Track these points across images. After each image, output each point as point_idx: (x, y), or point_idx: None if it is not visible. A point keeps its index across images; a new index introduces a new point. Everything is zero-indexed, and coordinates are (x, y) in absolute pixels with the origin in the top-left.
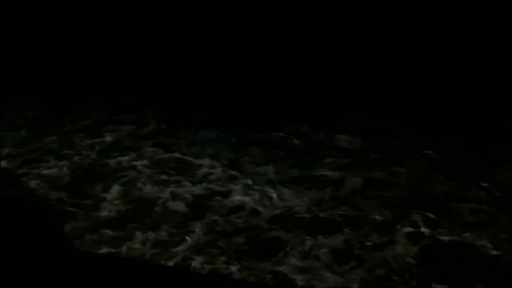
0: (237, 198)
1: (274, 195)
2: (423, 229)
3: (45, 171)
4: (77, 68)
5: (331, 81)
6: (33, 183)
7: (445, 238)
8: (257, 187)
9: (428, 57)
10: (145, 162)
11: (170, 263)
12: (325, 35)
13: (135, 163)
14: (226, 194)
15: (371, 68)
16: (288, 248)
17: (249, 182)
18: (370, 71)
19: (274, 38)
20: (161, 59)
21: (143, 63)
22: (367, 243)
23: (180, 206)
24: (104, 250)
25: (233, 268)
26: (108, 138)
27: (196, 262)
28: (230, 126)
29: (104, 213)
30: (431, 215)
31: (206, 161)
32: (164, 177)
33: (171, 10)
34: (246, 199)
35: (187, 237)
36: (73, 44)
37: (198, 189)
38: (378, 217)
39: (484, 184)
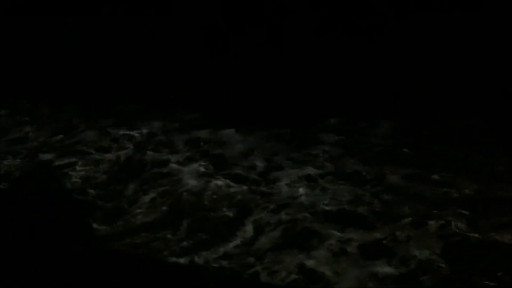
0: (276, 195)
1: (312, 191)
2: (454, 227)
3: (81, 167)
4: (90, 67)
5: (331, 81)
6: (70, 179)
7: (475, 236)
8: (295, 184)
9: (428, 57)
10: (180, 157)
11: (197, 262)
12: (325, 35)
13: (170, 158)
14: (266, 193)
15: (371, 68)
16: (319, 242)
17: (287, 179)
18: (370, 71)
19: (274, 38)
20: (164, 59)
21: (146, 63)
22: (397, 239)
23: (219, 206)
24: (138, 251)
25: (264, 262)
26: (141, 134)
27: (231, 259)
28: (258, 123)
29: (141, 212)
30: (463, 213)
31: (243, 158)
32: (202, 173)
33: (171, 10)
34: (285, 195)
35: (224, 236)
36: (79, 44)
37: (237, 188)
38: (410, 214)
39: None
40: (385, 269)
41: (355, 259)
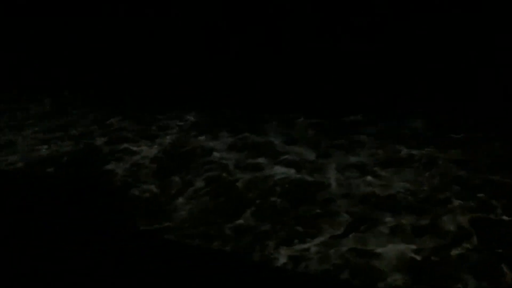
0: (328, 182)
1: (362, 178)
2: (493, 211)
3: (127, 154)
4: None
5: (336, 80)
6: (116, 165)
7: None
8: (345, 171)
9: (428, 57)
10: (224, 145)
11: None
12: (325, 35)
13: (214, 146)
14: (317, 181)
15: (372, 68)
16: (371, 227)
17: (337, 166)
18: (371, 71)
19: (274, 38)
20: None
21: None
22: (442, 223)
23: (270, 195)
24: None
25: (316, 248)
26: (185, 123)
27: (282, 251)
28: (293, 114)
29: (186, 203)
30: (502, 199)
31: (288, 146)
32: (248, 161)
33: (171, 10)
34: (336, 182)
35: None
36: (101, 42)
37: (287, 176)
38: (456, 198)
39: None
40: (426, 245)
41: (401, 240)
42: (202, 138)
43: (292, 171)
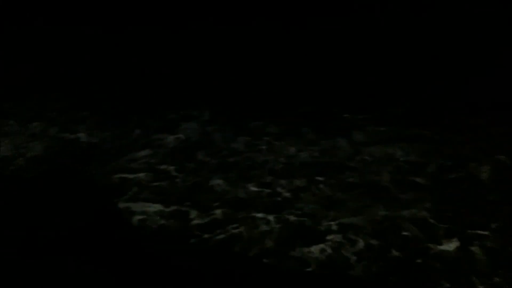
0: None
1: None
2: None
3: (153, 142)
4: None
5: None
6: (145, 152)
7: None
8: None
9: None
10: (236, 135)
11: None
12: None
13: (229, 136)
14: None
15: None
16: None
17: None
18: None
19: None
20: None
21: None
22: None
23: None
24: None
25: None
26: (201, 117)
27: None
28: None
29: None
30: None
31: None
32: (261, 147)
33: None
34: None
35: None
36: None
37: (308, 157)
38: None
39: None
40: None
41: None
42: (214, 128)
43: (306, 151)
